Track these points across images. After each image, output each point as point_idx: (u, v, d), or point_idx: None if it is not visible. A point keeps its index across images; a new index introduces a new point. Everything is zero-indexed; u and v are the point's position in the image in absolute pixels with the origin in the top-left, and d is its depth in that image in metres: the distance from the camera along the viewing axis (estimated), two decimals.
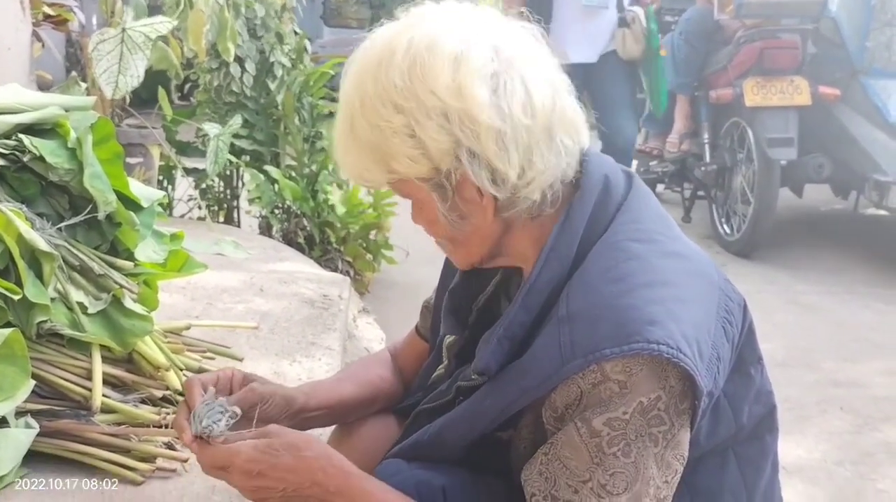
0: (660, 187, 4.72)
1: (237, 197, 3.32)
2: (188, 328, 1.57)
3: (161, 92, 2.79)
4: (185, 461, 1.31)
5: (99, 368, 1.32)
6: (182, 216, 3.16)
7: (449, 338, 1.13)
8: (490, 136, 0.90)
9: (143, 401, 1.36)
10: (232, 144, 2.85)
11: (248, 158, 3.19)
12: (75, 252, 1.35)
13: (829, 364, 2.89)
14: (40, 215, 1.37)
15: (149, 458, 1.29)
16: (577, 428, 0.89)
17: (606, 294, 0.90)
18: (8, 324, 1.26)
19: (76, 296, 1.33)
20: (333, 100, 3.35)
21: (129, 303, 1.36)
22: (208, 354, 1.54)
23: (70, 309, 1.33)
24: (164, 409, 1.35)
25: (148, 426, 1.31)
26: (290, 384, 1.55)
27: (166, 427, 1.31)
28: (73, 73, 1.93)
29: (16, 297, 1.25)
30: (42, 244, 1.29)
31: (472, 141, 0.90)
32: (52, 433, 1.27)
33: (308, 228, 3.12)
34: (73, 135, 1.40)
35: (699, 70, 4.40)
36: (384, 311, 3.08)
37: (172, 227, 1.63)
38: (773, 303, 3.50)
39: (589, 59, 3.80)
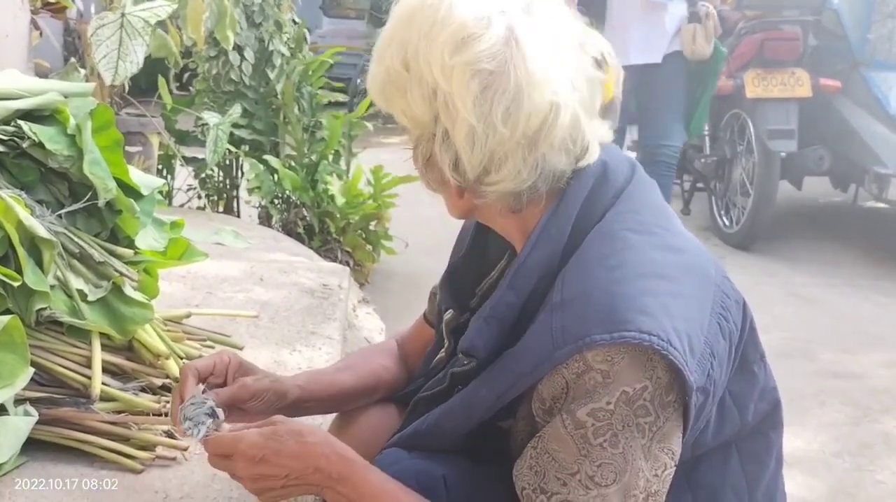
0: None
1: (237, 187, 3.31)
2: (188, 316, 1.57)
3: (161, 80, 2.78)
4: (185, 449, 1.30)
5: (98, 356, 1.31)
6: (181, 206, 3.15)
7: (447, 316, 1.12)
8: (462, 129, 0.90)
9: (142, 390, 1.35)
10: (231, 134, 2.84)
11: (247, 148, 3.18)
12: (75, 239, 1.34)
13: (828, 355, 2.89)
14: (40, 202, 1.36)
15: (148, 447, 1.28)
16: (562, 421, 0.89)
17: (601, 281, 0.89)
18: (7, 312, 1.25)
19: (76, 283, 1.33)
20: (333, 89, 3.34)
21: (129, 290, 1.36)
22: (208, 343, 1.53)
23: (70, 296, 1.32)
24: (163, 398, 1.34)
25: (148, 414, 1.30)
26: (290, 373, 1.55)
27: (166, 415, 1.30)
28: (73, 60, 1.91)
29: (15, 284, 1.24)
30: (42, 231, 1.28)
31: (448, 124, 0.91)
32: (52, 421, 1.27)
33: (308, 218, 3.11)
34: (72, 121, 1.39)
35: None
36: (384, 302, 3.08)
37: (173, 217, 1.62)
38: (773, 295, 3.50)
39: (653, 59, 3.49)
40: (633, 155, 4.32)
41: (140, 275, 1.41)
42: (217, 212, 3.22)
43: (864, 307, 3.41)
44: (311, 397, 1.18)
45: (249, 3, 3.02)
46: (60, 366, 1.30)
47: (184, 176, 3.21)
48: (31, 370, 1.23)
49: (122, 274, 1.36)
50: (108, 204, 1.39)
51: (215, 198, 3.27)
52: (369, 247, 3.21)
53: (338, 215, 3.10)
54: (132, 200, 1.41)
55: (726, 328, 0.95)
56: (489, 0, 0.90)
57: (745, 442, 1.03)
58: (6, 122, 1.37)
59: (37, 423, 1.24)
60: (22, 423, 1.23)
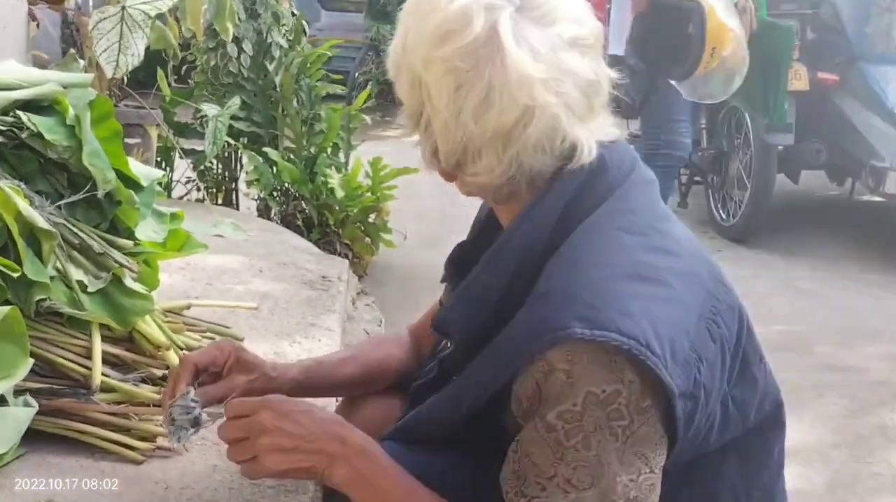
0: None
1: (235, 179, 3.31)
2: (188, 308, 1.57)
3: (160, 72, 2.77)
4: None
5: (98, 347, 1.31)
6: (180, 198, 3.15)
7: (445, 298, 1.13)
8: (438, 121, 0.92)
9: (143, 381, 1.35)
10: (230, 126, 2.84)
11: (245, 140, 3.18)
12: (75, 230, 1.34)
13: (824, 348, 2.91)
14: (39, 193, 1.35)
15: (149, 437, 1.29)
16: (535, 425, 0.89)
17: (587, 277, 0.89)
18: (7, 303, 1.25)
19: (76, 274, 1.33)
20: (332, 82, 3.33)
21: (129, 281, 1.36)
22: (208, 334, 1.53)
23: (69, 287, 1.32)
24: (163, 388, 1.34)
25: (148, 405, 1.31)
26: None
27: None
28: (72, 51, 1.91)
29: (15, 275, 1.24)
30: (41, 222, 1.28)
31: (430, 113, 0.93)
32: (52, 411, 1.27)
33: (306, 211, 3.11)
34: (71, 112, 1.39)
35: None
36: (382, 294, 3.08)
37: (171, 208, 1.62)
38: (769, 288, 3.51)
39: None
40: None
41: (140, 266, 1.41)
42: (216, 204, 3.22)
43: (860, 300, 3.43)
44: (311, 386, 1.19)
45: None
46: (60, 356, 1.30)
47: (182, 168, 3.21)
48: (31, 361, 1.23)
49: (121, 265, 1.36)
50: (108, 195, 1.39)
51: (214, 190, 3.27)
52: (368, 239, 3.21)
53: (337, 208, 3.10)
54: (132, 191, 1.41)
55: (717, 333, 0.94)
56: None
57: (745, 442, 1.02)
58: (5, 113, 1.37)
59: (37, 414, 1.24)
60: (22, 414, 1.23)
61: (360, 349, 1.31)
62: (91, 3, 2.97)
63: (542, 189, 0.94)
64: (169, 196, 3.05)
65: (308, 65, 3.17)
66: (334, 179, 3.07)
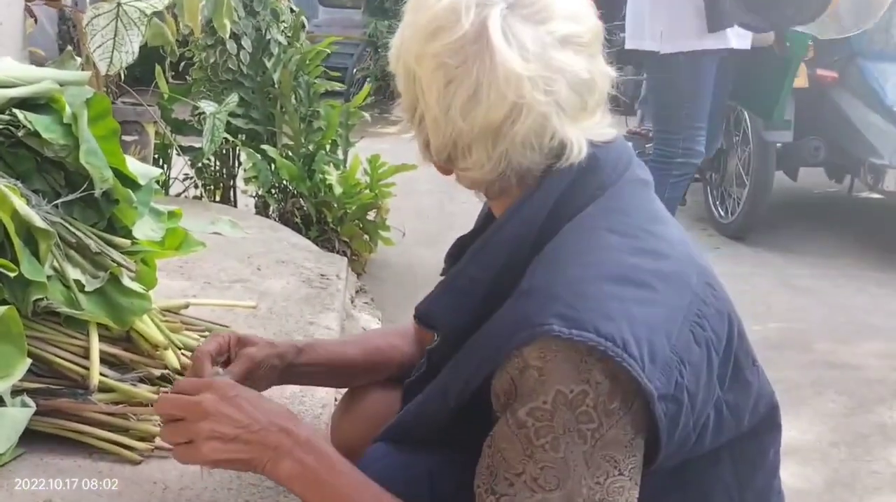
0: None
1: (233, 176, 3.30)
2: (186, 307, 1.57)
3: (157, 69, 2.76)
4: (167, 440, 1.30)
5: (96, 347, 1.31)
6: (178, 195, 3.14)
7: None
8: (430, 115, 0.92)
9: (140, 380, 1.35)
10: (228, 123, 2.83)
11: (243, 137, 3.17)
12: (72, 229, 1.33)
13: (823, 346, 2.90)
14: (36, 192, 1.35)
15: (147, 437, 1.28)
16: (506, 420, 0.88)
17: (570, 276, 0.89)
18: (4, 302, 1.24)
19: (73, 273, 1.32)
20: (330, 78, 3.32)
21: (126, 281, 1.35)
22: (207, 333, 1.53)
23: (67, 287, 1.31)
24: (161, 388, 1.34)
25: (146, 405, 1.30)
26: None
27: None
28: (69, 48, 1.90)
29: (12, 275, 1.23)
30: (38, 221, 1.27)
31: (423, 107, 0.93)
32: (50, 412, 1.27)
33: (305, 208, 3.10)
34: (68, 110, 1.38)
35: None
36: (381, 291, 3.08)
37: (170, 206, 1.61)
38: (767, 286, 3.51)
39: (744, 45, 3.11)
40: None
41: (138, 265, 1.40)
42: (214, 201, 3.21)
43: (858, 297, 3.42)
44: (311, 360, 1.19)
45: None
46: (58, 356, 1.30)
47: (179, 165, 3.20)
48: (29, 361, 1.23)
49: (119, 264, 1.35)
50: (105, 194, 1.38)
51: (212, 187, 3.26)
52: (366, 236, 3.20)
53: (335, 205, 3.10)
54: (129, 190, 1.40)
55: (702, 336, 0.93)
56: None
57: (739, 444, 1.02)
58: (1, 111, 1.36)
59: (34, 414, 1.24)
60: (19, 414, 1.22)
61: (364, 335, 1.32)
62: (88, 0, 2.95)
63: (532, 186, 0.94)
64: (166, 193, 3.04)
65: (307, 62, 3.16)
66: (333, 176, 3.06)
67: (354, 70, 7.40)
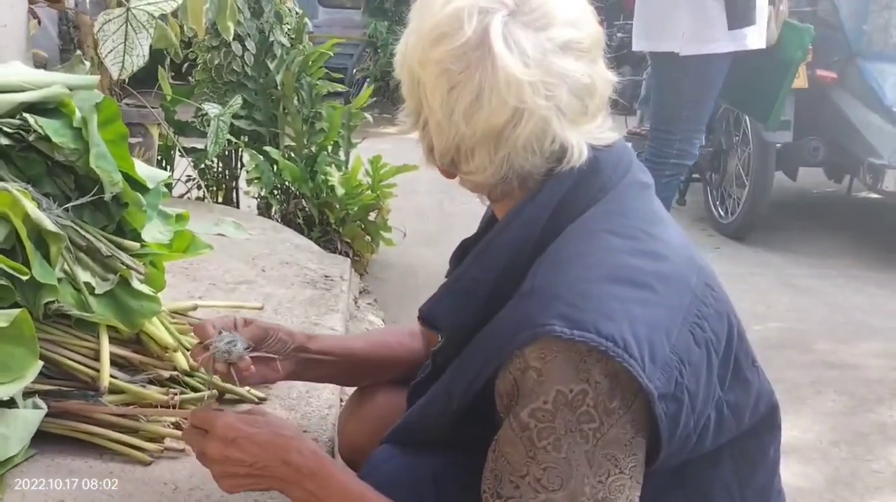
0: None
1: (236, 177, 3.31)
2: (194, 309, 1.58)
3: (161, 71, 2.77)
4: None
5: (106, 349, 1.32)
6: (181, 196, 3.15)
7: None
8: (434, 119, 0.94)
9: (150, 382, 1.36)
10: (231, 124, 2.84)
11: (246, 139, 3.18)
12: (82, 232, 1.35)
13: (822, 346, 2.92)
14: (46, 195, 1.36)
15: (157, 438, 1.30)
16: (510, 423, 0.90)
17: (571, 277, 0.90)
18: (15, 305, 1.26)
19: (83, 276, 1.33)
20: (331, 79, 3.33)
21: (136, 283, 1.36)
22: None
23: (77, 289, 1.33)
24: (171, 390, 1.36)
25: (156, 406, 1.31)
26: None
27: (174, 407, 1.32)
28: (79, 52, 1.92)
29: (24, 278, 1.25)
30: (49, 224, 1.29)
31: (427, 112, 0.95)
32: (61, 413, 1.28)
33: (307, 209, 3.11)
34: (77, 114, 1.39)
35: None
36: (382, 292, 3.09)
37: (174, 208, 1.62)
38: (767, 286, 3.52)
39: (760, 44, 3.04)
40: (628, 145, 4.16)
41: (147, 267, 1.41)
42: (216, 202, 3.21)
43: (857, 298, 3.44)
44: (322, 347, 1.22)
45: None
46: (69, 358, 1.31)
47: (182, 166, 3.21)
48: (40, 363, 1.24)
49: (129, 267, 1.36)
50: (115, 197, 1.39)
51: (214, 188, 3.27)
52: (368, 237, 3.21)
53: (337, 206, 3.11)
54: (138, 194, 1.41)
55: (702, 337, 0.94)
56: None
57: (739, 443, 1.03)
58: (11, 115, 1.37)
59: (46, 416, 1.25)
60: (31, 416, 1.24)
61: (373, 332, 1.33)
62: (88, 2, 2.96)
63: (533, 189, 0.96)
64: (169, 194, 3.04)
65: (309, 63, 3.17)
66: (335, 178, 3.07)
67: (354, 70, 7.40)
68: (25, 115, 1.36)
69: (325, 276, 2.22)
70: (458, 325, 1.01)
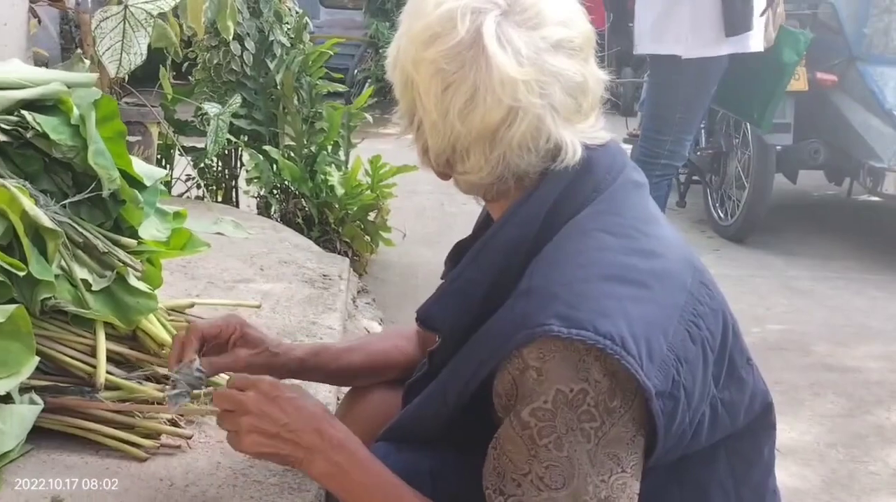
0: None
1: (235, 177, 3.31)
2: (191, 306, 1.58)
3: (162, 70, 2.78)
4: (190, 438, 1.32)
5: (103, 345, 1.32)
6: (180, 195, 3.16)
7: None
8: (428, 120, 0.94)
9: (146, 379, 1.36)
10: (231, 124, 2.84)
11: (246, 138, 3.18)
12: (79, 229, 1.35)
13: (821, 348, 2.92)
14: (44, 192, 1.36)
15: (153, 435, 1.30)
16: (510, 422, 0.90)
17: (568, 276, 0.90)
18: (12, 301, 1.26)
19: (80, 273, 1.33)
20: (332, 80, 3.34)
21: (133, 280, 1.36)
22: None
23: (74, 286, 1.33)
24: (167, 387, 1.35)
25: (152, 403, 1.32)
26: None
27: None
28: (79, 51, 1.92)
29: (21, 274, 1.25)
30: (46, 221, 1.29)
31: (421, 113, 0.95)
32: (57, 409, 1.28)
33: (307, 209, 3.11)
34: (75, 111, 1.39)
35: None
36: (382, 292, 3.09)
37: (172, 206, 1.63)
38: (767, 288, 3.52)
39: (758, 48, 3.05)
40: (628, 148, 4.15)
41: (144, 265, 1.41)
42: (215, 202, 3.22)
43: (857, 300, 3.44)
44: (317, 369, 1.23)
45: None
46: (65, 355, 1.31)
47: (181, 166, 3.22)
48: (37, 359, 1.24)
49: (126, 264, 1.36)
50: (112, 194, 1.39)
51: (213, 188, 3.27)
52: (367, 237, 3.22)
53: (337, 206, 3.11)
54: (136, 191, 1.41)
55: (697, 335, 0.95)
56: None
57: (734, 441, 1.03)
58: (10, 112, 1.37)
59: (42, 412, 1.25)
60: (27, 412, 1.24)
61: (368, 340, 1.34)
62: (90, 1, 2.97)
63: (529, 189, 0.96)
64: (169, 193, 3.05)
65: (309, 63, 3.18)
66: (335, 177, 3.07)
67: (356, 71, 7.42)
68: (23, 112, 1.37)
69: (324, 275, 2.23)
70: (454, 326, 1.02)
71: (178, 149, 3.03)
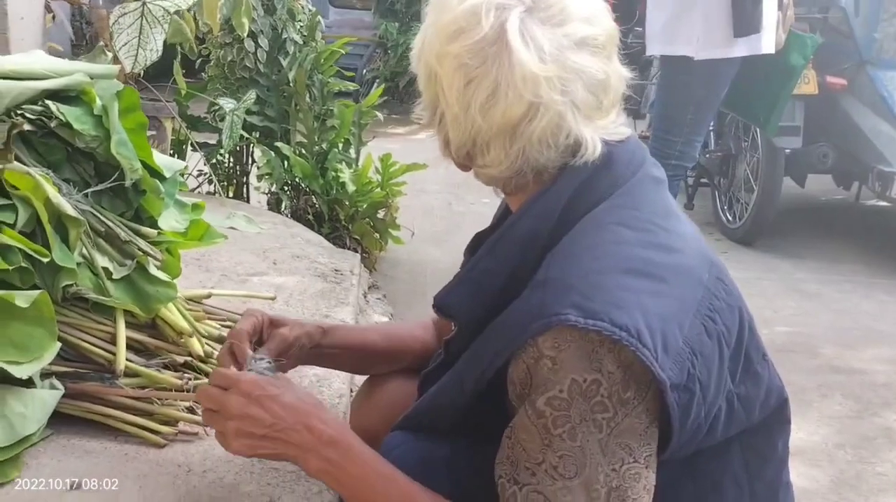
0: None
1: (247, 173, 3.33)
2: (208, 297, 1.60)
3: (176, 65, 2.79)
4: (207, 425, 1.33)
5: (123, 333, 1.34)
6: (192, 190, 3.17)
7: None
8: (450, 113, 0.96)
9: (165, 366, 1.38)
10: (243, 120, 2.86)
11: (258, 134, 3.20)
12: (101, 218, 1.37)
13: (829, 350, 2.92)
14: (66, 181, 1.38)
15: (171, 422, 1.31)
16: (525, 411, 0.91)
17: (584, 268, 0.91)
18: (34, 288, 1.27)
19: (101, 261, 1.35)
20: (343, 78, 3.36)
21: (153, 269, 1.38)
22: (228, 323, 1.56)
23: (95, 274, 1.35)
24: (185, 375, 1.37)
25: (170, 391, 1.33)
26: None
27: (188, 391, 1.33)
28: (101, 43, 1.94)
29: (45, 260, 1.26)
30: (69, 209, 1.30)
31: (443, 106, 0.97)
32: (77, 395, 1.30)
33: (317, 205, 3.13)
34: (98, 102, 1.41)
35: None
36: (391, 289, 3.11)
37: (190, 199, 1.64)
38: (775, 290, 3.53)
39: (770, 49, 3.05)
40: None
41: (163, 254, 1.43)
42: (227, 197, 3.24)
43: (864, 304, 3.44)
44: (335, 342, 1.24)
45: None
46: (86, 341, 1.33)
47: (193, 161, 3.23)
48: (58, 345, 1.25)
49: (146, 253, 1.38)
50: (134, 184, 1.41)
51: (225, 183, 3.29)
52: (377, 235, 3.23)
53: (347, 203, 3.13)
54: (157, 181, 1.43)
55: (713, 329, 0.95)
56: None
57: (749, 436, 1.04)
58: (34, 102, 1.39)
59: (62, 397, 1.27)
60: (48, 396, 1.25)
61: (387, 325, 1.35)
62: None
63: (547, 182, 0.98)
64: (187, 186, 3.07)
65: (321, 61, 3.20)
66: (346, 174, 3.09)
67: (364, 71, 7.44)
68: (47, 102, 1.38)
69: (336, 270, 2.24)
70: (471, 315, 1.03)
71: (191, 145, 3.05)
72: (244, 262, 2.19)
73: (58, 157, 1.39)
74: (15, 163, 1.28)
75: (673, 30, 2.97)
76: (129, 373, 1.32)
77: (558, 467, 0.88)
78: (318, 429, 0.97)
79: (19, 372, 1.19)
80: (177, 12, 2.22)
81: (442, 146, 1.01)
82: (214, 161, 3.19)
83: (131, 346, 1.35)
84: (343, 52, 3.32)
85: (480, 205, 4.19)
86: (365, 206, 3.18)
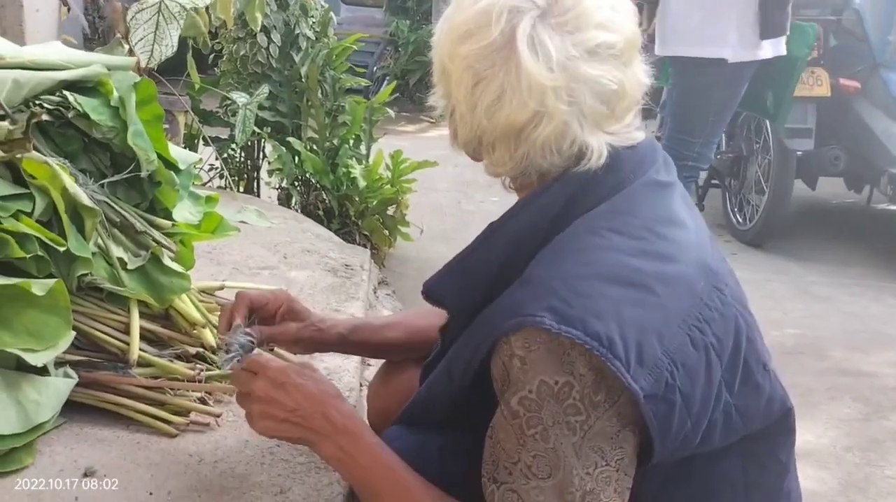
0: None
1: (258, 168, 3.34)
2: (221, 288, 1.60)
3: (189, 60, 2.81)
4: (219, 416, 1.34)
5: (136, 323, 1.35)
6: (204, 184, 3.18)
7: None
8: (459, 110, 0.97)
9: (177, 357, 1.39)
10: (255, 115, 2.87)
11: (269, 129, 3.21)
12: (117, 208, 1.38)
13: (838, 353, 2.92)
14: (83, 171, 1.39)
15: (183, 412, 1.32)
16: (502, 410, 0.92)
17: (568, 271, 0.91)
18: (50, 276, 1.29)
19: (116, 251, 1.36)
20: (355, 74, 3.36)
21: (167, 260, 1.39)
22: None
23: (110, 264, 1.36)
24: (197, 365, 1.38)
25: (183, 380, 1.34)
26: None
27: (200, 382, 1.34)
28: (118, 35, 1.96)
29: (61, 249, 1.27)
30: (85, 199, 1.32)
31: (454, 102, 0.98)
32: (90, 384, 1.31)
33: (327, 201, 3.14)
34: (115, 93, 1.42)
35: None
36: (399, 286, 3.11)
37: (204, 191, 1.65)
38: (784, 293, 3.52)
39: (781, 52, 3.09)
40: None
41: (177, 245, 1.44)
42: (238, 192, 3.25)
43: (874, 307, 3.43)
44: (357, 341, 1.28)
45: None
46: (100, 331, 1.34)
47: (205, 155, 3.25)
48: (73, 333, 1.26)
49: (161, 244, 1.39)
50: (149, 176, 1.42)
51: (236, 178, 3.30)
52: (386, 231, 3.24)
53: (357, 199, 3.13)
54: (172, 173, 1.44)
55: (700, 340, 0.93)
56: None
57: (749, 442, 1.03)
58: (51, 93, 1.40)
59: (76, 386, 1.28)
60: (62, 385, 1.27)
61: (405, 316, 1.37)
62: None
63: (549, 182, 0.98)
64: (201, 178, 3.08)
65: (333, 57, 3.20)
66: (356, 170, 3.10)
67: (375, 68, 7.45)
68: (65, 92, 1.39)
69: (346, 265, 2.25)
70: (459, 303, 1.04)
71: (203, 139, 3.06)
72: (255, 256, 2.20)
73: (74, 148, 1.40)
74: (33, 152, 1.29)
75: (701, 32, 2.95)
76: (142, 363, 1.33)
77: (532, 467, 0.89)
78: (334, 418, 1.01)
79: (34, 359, 1.20)
80: (193, 8, 2.23)
81: (451, 138, 1.03)
82: (226, 155, 3.20)
83: (144, 336, 1.37)
84: (354, 47, 3.32)
85: (489, 204, 4.19)
86: (375, 203, 3.19)
